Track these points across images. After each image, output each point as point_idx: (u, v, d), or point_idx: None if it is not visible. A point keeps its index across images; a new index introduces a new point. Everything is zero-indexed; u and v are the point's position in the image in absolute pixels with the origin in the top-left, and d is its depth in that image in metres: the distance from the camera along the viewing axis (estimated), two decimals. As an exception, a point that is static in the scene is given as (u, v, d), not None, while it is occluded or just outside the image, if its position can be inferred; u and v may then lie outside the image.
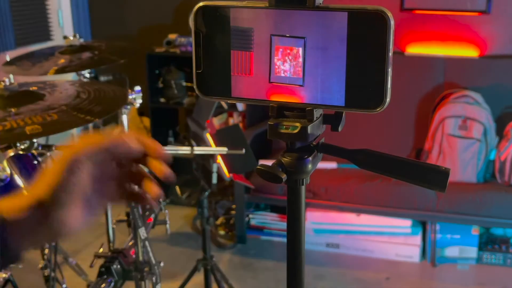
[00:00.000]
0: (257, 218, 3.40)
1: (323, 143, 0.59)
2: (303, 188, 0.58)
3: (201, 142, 2.37)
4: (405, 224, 3.12)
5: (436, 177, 0.54)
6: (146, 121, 4.01)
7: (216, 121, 3.62)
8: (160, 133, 3.84)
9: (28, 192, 0.62)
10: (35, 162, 1.74)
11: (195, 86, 0.58)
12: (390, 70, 0.50)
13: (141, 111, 4.01)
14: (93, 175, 0.62)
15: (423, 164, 0.56)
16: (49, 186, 0.60)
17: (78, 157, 0.61)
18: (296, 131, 0.55)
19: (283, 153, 0.57)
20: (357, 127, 3.27)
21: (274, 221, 3.37)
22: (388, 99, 0.51)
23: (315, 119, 0.55)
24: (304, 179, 0.58)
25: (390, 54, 0.50)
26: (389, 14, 0.49)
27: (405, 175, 0.56)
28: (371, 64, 0.51)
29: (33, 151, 1.74)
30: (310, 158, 0.57)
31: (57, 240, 0.74)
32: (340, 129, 0.56)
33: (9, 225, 0.59)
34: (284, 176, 0.55)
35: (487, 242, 3.10)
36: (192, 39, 0.56)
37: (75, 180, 0.61)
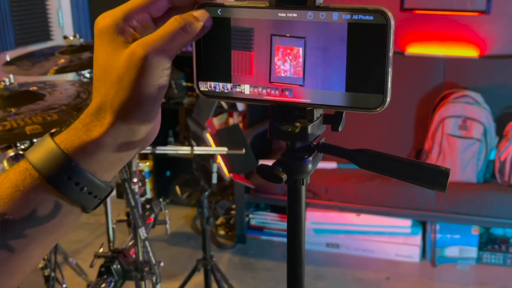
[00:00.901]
0: (257, 218, 3.40)
1: (323, 143, 0.59)
2: (303, 188, 0.58)
3: (201, 142, 2.37)
4: (405, 224, 3.12)
5: (436, 177, 0.54)
6: (146, 121, 4.00)
7: (216, 121, 3.62)
8: (160, 133, 3.82)
9: (89, 116, 0.49)
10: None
11: (195, 86, 0.58)
12: (390, 70, 0.51)
13: (141, 111, 4.00)
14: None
15: (423, 164, 0.56)
16: (122, 98, 0.47)
17: (153, 54, 0.47)
18: (296, 131, 0.55)
19: (283, 153, 0.57)
20: (357, 127, 3.27)
21: (274, 221, 3.37)
22: (388, 99, 0.51)
23: (315, 119, 0.55)
24: (305, 179, 0.58)
25: (390, 54, 0.50)
26: (390, 14, 0.50)
27: (405, 175, 0.56)
28: (371, 64, 0.51)
29: (33, 151, 1.74)
30: (311, 158, 0.57)
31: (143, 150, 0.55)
32: (340, 129, 0.56)
33: (80, 158, 0.48)
34: (284, 176, 0.55)
35: (487, 242, 3.10)
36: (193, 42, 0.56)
37: (161, 78, 0.49)
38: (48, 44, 3.72)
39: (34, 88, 1.71)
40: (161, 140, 3.81)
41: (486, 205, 2.93)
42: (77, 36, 2.39)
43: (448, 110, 3.11)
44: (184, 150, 2.11)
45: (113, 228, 2.27)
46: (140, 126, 0.50)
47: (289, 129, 0.55)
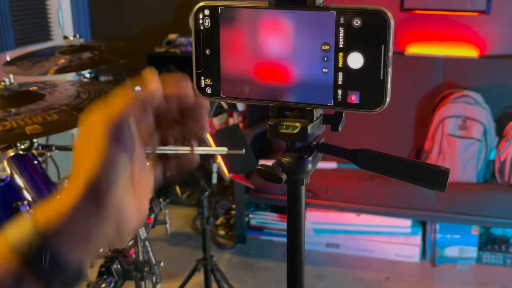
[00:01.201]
0: (257, 218, 3.40)
1: (323, 143, 0.59)
2: (303, 188, 0.58)
3: (201, 142, 2.37)
4: (405, 224, 3.12)
5: (436, 177, 0.54)
6: (146, 121, 4.01)
7: (216, 121, 3.62)
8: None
9: (66, 189, 0.49)
10: (35, 162, 1.74)
11: (195, 86, 0.58)
12: (390, 70, 0.51)
13: (141, 111, 4.00)
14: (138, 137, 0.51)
15: (423, 164, 0.56)
16: (92, 167, 0.48)
17: (121, 119, 0.49)
18: (296, 131, 0.55)
19: (283, 153, 0.57)
20: (357, 127, 3.27)
21: (274, 221, 3.37)
22: (388, 99, 0.51)
23: (315, 119, 0.55)
24: (304, 179, 0.58)
25: (390, 54, 0.50)
26: (389, 14, 0.50)
27: (405, 175, 0.56)
28: (371, 64, 0.51)
29: (33, 151, 1.74)
30: (310, 158, 0.57)
31: (120, 238, 0.52)
32: (340, 129, 0.56)
33: (54, 237, 0.48)
34: (284, 176, 0.55)
35: (487, 242, 3.10)
36: (192, 39, 0.57)
37: (125, 148, 0.49)
38: (48, 44, 3.72)
39: (34, 88, 1.71)
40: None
41: (486, 205, 2.93)
42: (77, 36, 2.39)
43: (448, 110, 3.11)
44: (184, 150, 2.11)
45: (113, 228, 2.27)
46: (108, 203, 0.49)
47: (289, 129, 0.55)
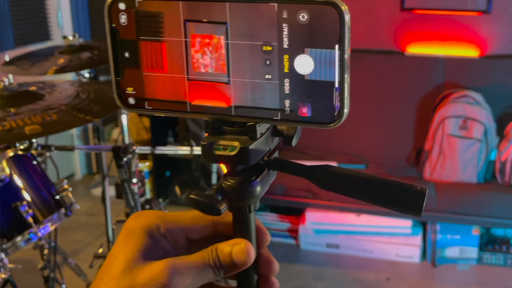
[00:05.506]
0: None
1: (276, 159, 0.48)
2: (251, 215, 0.48)
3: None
4: (405, 224, 3.12)
5: (410, 199, 0.46)
6: (146, 121, 4.01)
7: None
8: (160, 133, 3.84)
9: None
10: (34, 162, 1.74)
11: (115, 96, 0.47)
12: (347, 76, 0.41)
13: (141, 111, 4.00)
14: None
15: (394, 183, 0.47)
16: None
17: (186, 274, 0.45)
18: (234, 152, 0.44)
19: (225, 176, 0.47)
20: (356, 127, 3.26)
21: (274, 222, 3.36)
22: (346, 110, 0.42)
23: (258, 136, 0.45)
24: (253, 205, 0.47)
25: (347, 56, 0.41)
26: (344, 7, 0.40)
27: (373, 197, 0.47)
28: (323, 68, 0.42)
29: (32, 151, 1.74)
30: (259, 180, 0.46)
31: None
32: (294, 143, 0.46)
33: None
34: (222, 207, 0.45)
35: (488, 243, 3.10)
36: (107, 39, 0.45)
37: None
38: (48, 44, 3.72)
39: (34, 88, 1.71)
40: (161, 140, 3.81)
41: (486, 205, 2.93)
42: (77, 36, 2.39)
43: (448, 110, 3.11)
44: (183, 150, 2.10)
45: (112, 229, 2.27)
46: None
47: (226, 151, 0.44)
